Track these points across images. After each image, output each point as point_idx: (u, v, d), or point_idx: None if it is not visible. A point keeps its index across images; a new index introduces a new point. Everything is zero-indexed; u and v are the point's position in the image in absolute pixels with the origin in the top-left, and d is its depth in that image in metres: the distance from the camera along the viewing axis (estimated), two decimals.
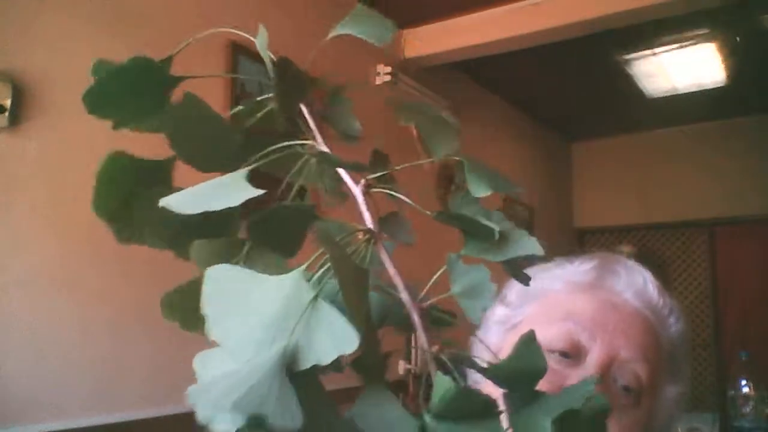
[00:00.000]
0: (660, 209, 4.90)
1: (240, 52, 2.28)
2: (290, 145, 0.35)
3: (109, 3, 1.89)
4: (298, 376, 0.26)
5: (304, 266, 0.28)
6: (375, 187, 0.35)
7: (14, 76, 1.64)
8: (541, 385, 0.29)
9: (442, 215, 0.34)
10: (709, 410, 2.95)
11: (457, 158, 0.36)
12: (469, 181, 0.34)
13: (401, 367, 2.57)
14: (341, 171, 0.35)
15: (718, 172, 4.68)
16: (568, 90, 4.20)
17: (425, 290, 0.32)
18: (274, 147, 0.35)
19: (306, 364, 0.26)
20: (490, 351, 0.53)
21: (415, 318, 0.30)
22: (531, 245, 0.32)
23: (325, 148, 0.36)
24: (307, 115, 0.38)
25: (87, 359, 1.77)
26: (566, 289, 0.71)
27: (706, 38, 3.45)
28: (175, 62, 0.37)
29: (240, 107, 0.39)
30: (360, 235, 0.33)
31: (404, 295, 0.30)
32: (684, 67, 3.79)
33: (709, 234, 4.87)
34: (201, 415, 0.25)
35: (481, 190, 0.34)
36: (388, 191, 0.36)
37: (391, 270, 0.31)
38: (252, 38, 0.39)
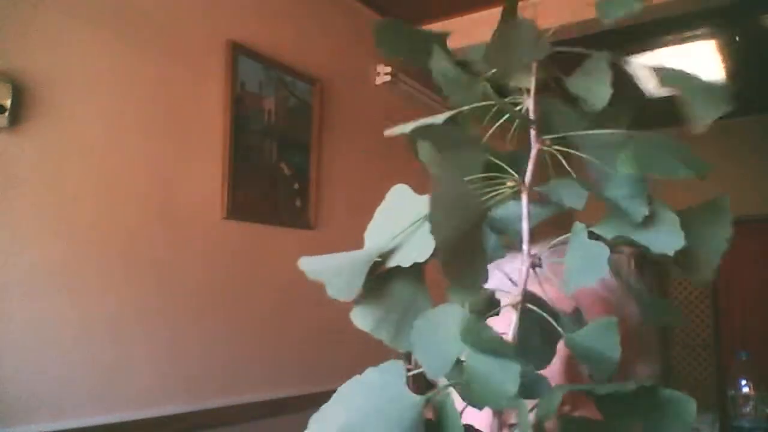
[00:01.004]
0: None
1: (240, 51, 2.28)
2: (505, 100, 0.38)
3: (109, 3, 1.89)
4: (403, 271, 0.32)
5: None
6: (551, 147, 0.37)
7: (14, 76, 1.64)
8: None
9: (584, 183, 0.35)
10: (709, 410, 2.94)
11: (632, 133, 0.37)
12: (622, 156, 0.35)
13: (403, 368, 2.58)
14: (531, 130, 0.37)
15: (718, 172, 4.67)
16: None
17: (545, 250, 0.35)
18: (487, 102, 0.38)
19: (392, 262, 0.32)
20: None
21: (524, 268, 0.33)
22: (669, 242, 0.32)
23: (531, 106, 0.38)
24: (532, 73, 0.40)
25: (87, 359, 1.77)
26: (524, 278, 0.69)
27: (706, 38, 3.45)
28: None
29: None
30: (509, 182, 0.35)
31: (525, 246, 0.34)
32: (684, 67, 3.79)
33: None
34: (302, 267, 0.33)
35: (626, 166, 0.34)
36: (557, 151, 0.37)
37: (524, 218, 0.34)
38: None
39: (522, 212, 0.34)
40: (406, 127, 0.35)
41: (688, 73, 0.41)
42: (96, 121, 1.85)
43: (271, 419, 2.28)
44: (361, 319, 0.33)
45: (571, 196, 0.37)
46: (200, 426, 2.05)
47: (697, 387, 4.54)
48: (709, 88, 0.39)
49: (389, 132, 0.36)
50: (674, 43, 3.49)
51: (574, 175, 0.36)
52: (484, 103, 0.39)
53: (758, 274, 4.62)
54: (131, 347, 1.90)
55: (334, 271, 0.32)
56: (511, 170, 0.36)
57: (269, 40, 2.42)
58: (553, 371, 0.62)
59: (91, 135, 1.84)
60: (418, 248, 0.31)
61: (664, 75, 0.41)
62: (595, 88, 0.40)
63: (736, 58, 3.65)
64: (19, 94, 1.64)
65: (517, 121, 0.38)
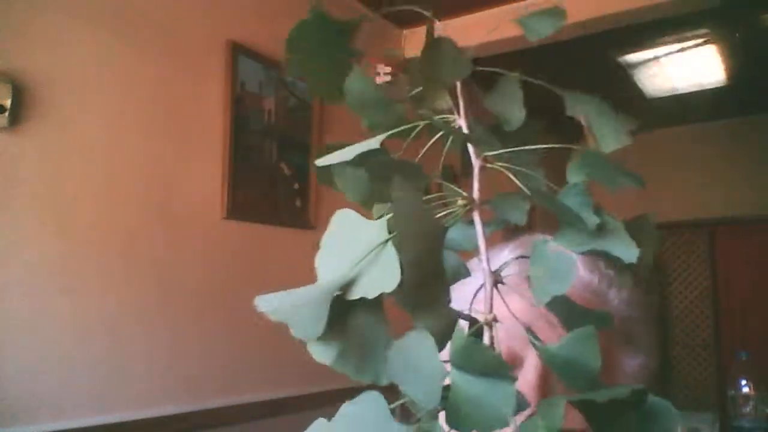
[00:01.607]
0: (660, 209, 4.90)
1: (240, 51, 2.28)
2: (437, 119, 0.39)
3: (109, 3, 1.89)
4: (363, 302, 0.31)
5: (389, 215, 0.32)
6: (492, 164, 0.38)
7: (14, 76, 1.64)
8: None
9: (539, 196, 0.36)
10: (709, 410, 2.95)
11: (578, 149, 0.37)
12: (570, 168, 0.36)
13: None
14: (469, 146, 0.38)
15: (718, 172, 4.68)
16: (568, 90, 4.20)
17: (505, 263, 0.35)
18: (423, 122, 0.39)
19: (355, 294, 0.31)
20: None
21: (487, 285, 0.33)
22: (627, 251, 0.33)
23: (463, 124, 0.39)
24: (458, 93, 0.40)
25: (87, 359, 1.77)
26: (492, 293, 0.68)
27: (706, 38, 3.45)
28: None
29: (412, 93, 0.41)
30: (459, 201, 0.36)
31: (484, 264, 0.33)
32: (684, 67, 3.79)
33: (709, 234, 4.87)
34: (260, 308, 0.32)
35: (575, 176, 0.35)
36: (499, 167, 0.38)
37: (480, 237, 0.34)
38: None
39: (477, 230, 0.34)
40: (339, 156, 0.35)
41: (595, 100, 0.42)
42: (96, 121, 1.85)
43: (271, 419, 2.28)
44: (322, 353, 0.32)
45: (514, 210, 0.37)
46: (200, 426, 2.05)
47: (697, 387, 4.54)
48: (613, 120, 0.41)
49: (320, 162, 0.36)
50: (673, 42, 3.49)
51: (524, 189, 0.37)
52: (417, 123, 0.39)
53: (758, 274, 4.62)
54: (131, 347, 1.90)
55: (295, 309, 0.32)
56: (458, 189, 0.37)
57: (269, 40, 2.42)
58: (527, 384, 0.61)
59: (91, 135, 1.84)
60: (383, 277, 0.30)
61: (572, 100, 0.42)
62: (509, 109, 0.42)
63: (736, 58, 3.65)
64: (19, 94, 1.64)
65: (449, 141, 0.39)
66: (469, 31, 3.06)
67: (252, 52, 2.34)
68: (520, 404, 0.28)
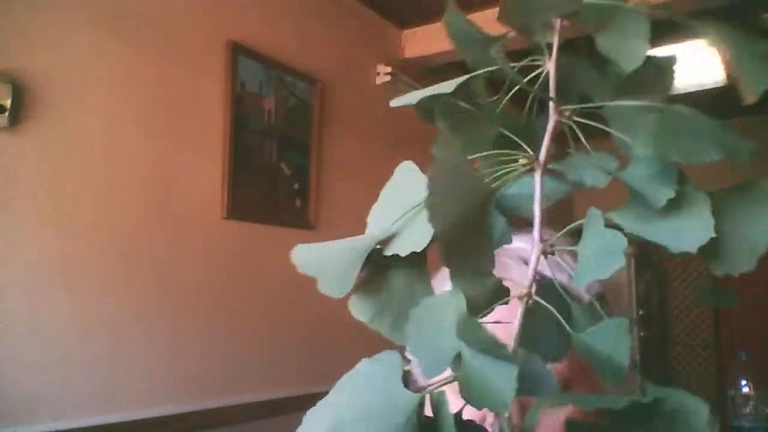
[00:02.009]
0: None
1: (240, 51, 2.28)
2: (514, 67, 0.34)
3: (109, 3, 1.89)
4: (400, 259, 0.29)
5: None
6: (570, 120, 0.32)
7: (14, 76, 1.64)
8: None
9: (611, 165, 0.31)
10: (709, 410, 2.94)
11: (659, 105, 0.32)
12: (640, 134, 0.30)
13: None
14: (551, 102, 0.33)
15: (718, 172, 4.67)
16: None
17: (557, 236, 0.32)
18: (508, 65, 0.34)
19: (389, 251, 0.30)
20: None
21: (533, 256, 0.30)
22: (698, 233, 0.28)
23: (552, 69, 0.34)
24: (555, 31, 0.34)
25: (87, 359, 1.77)
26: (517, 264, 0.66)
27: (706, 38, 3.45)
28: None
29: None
30: (521, 160, 0.32)
31: (535, 232, 0.31)
32: (684, 67, 3.79)
33: None
34: (293, 258, 0.31)
35: (643, 146, 0.29)
36: (578, 124, 0.33)
37: (536, 201, 0.31)
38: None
39: (534, 192, 0.31)
40: (413, 97, 0.32)
41: (740, 31, 0.35)
42: (96, 121, 1.85)
43: (271, 419, 2.28)
44: (359, 309, 0.31)
45: (593, 173, 0.32)
46: (200, 426, 2.05)
47: (697, 387, 4.54)
48: (762, 47, 0.33)
49: (395, 102, 0.33)
50: (674, 42, 3.49)
51: (592, 151, 0.32)
52: (495, 68, 0.34)
53: (758, 274, 4.59)
54: (131, 347, 1.89)
55: (328, 263, 0.30)
56: (524, 145, 0.33)
57: (269, 40, 2.42)
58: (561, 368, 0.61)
59: (91, 135, 1.84)
60: (416, 236, 0.29)
61: (707, 26, 0.35)
62: (628, 46, 0.34)
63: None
64: (19, 94, 1.64)
65: (536, 86, 0.34)
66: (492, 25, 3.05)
67: (252, 52, 2.34)
68: (549, 386, 0.27)
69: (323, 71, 2.68)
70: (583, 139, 0.33)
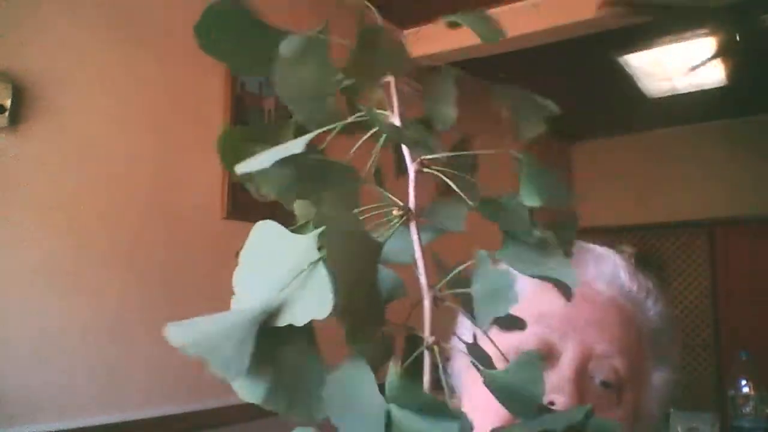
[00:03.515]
0: (660, 209, 4.90)
1: None
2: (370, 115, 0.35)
3: (109, 3, 1.89)
4: (291, 329, 0.27)
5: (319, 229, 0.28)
6: (429, 168, 0.34)
7: (14, 76, 1.64)
8: None
9: (484, 206, 0.33)
10: (709, 410, 2.94)
11: (517, 155, 0.34)
12: (522, 186, 0.32)
13: None
14: (404, 147, 0.34)
15: (717, 172, 4.68)
16: (568, 90, 4.20)
17: (444, 282, 0.32)
18: (356, 116, 0.35)
19: (282, 321, 0.27)
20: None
21: (426, 303, 0.30)
22: (566, 273, 0.30)
23: (397, 122, 0.35)
24: (392, 89, 0.36)
25: (87, 359, 1.77)
26: (535, 287, 0.66)
27: (706, 38, 3.45)
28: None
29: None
30: (395, 211, 0.32)
31: (422, 279, 0.30)
32: (684, 67, 3.79)
33: (709, 234, 4.87)
34: (172, 340, 0.28)
35: (531, 200, 0.32)
36: (436, 172, 0.34)
37: (417, 250, 0.31)
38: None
39: (413, 241, 0.31)
40: (264, 161, 0.31)
41: (517, 90, 0.39)
42: (96, 121, 1.85)
43: (271, 419, 2.27)
44: (247, 391, 0.28)
45: (450, 217, 0.34)
46: (200, 426, 2.05)
47: (697, 387, 4.54)
48: (532, 104, 0.38)
49: (239, 169, 0.32)
50: (674, 42, 3.49)
51: (462, 195, 0.34)
52: (352, 119, 0.35)
53: (758, 274, 4.62)
54: (131, 347, 1.89)
55: (215, 343, 0.27)
56: (391, 197, 0.34)
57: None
58: (564, 378, 0.62)
59: (91, 135, 1.84)
60: (314, 302, 0.27)
61: (496, 90, 0.39)
62: (441, 107, 0.38)
63: (736, 58, 3.65)
64: (19, 94, 1.64)
65: (381, 139, 0.36)
66: (465, 32, 3.05)
67: None
68: (467, 429, 0.26)
69: None
70: (453, 185, 0.34)
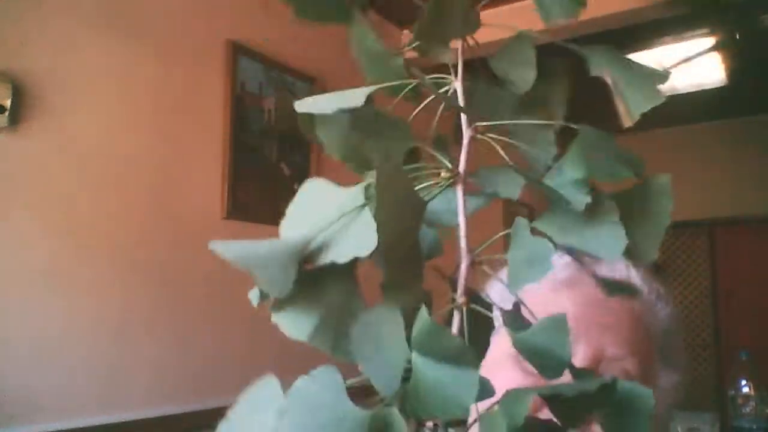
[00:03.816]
0: None
1: (240, 51, 2.28)
2: (429, 78, 0.35)
3: (109, 3, 1.89)
4: (333, 271, 0.28)
5: (366, 182, 0.29)
6: (484, 135, 0.34)
7: (14, 76, 1.64)
8: None
9: (523, 171, 0.32)
10: (709, 410, 2.94)
11: (575, 126, 0.33)
12: (569, 158, 0.32)
13: None
14: (462, 114, 0.34)
15: (717, 172, 4.68)
16: (568, 90, 4.20)
17: (483, 246, 0.32)
18: (413, 80, 0.35)
19: (326, 258, 0.28)
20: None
21: (463, 265, 0.30)
22: (605, 245, 0.30)
23: (459, 88, 0.35)
24: (459, 53, 0.36)
25: (87, 359, 1.77)
26: (546, 287, 0.67)
27: (706, 38, 3.45)
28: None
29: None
30: (443, 173, 0.33)
31: (462, 242, 0.31)
32: (684, 67, 3.79)
33: (709, 234, 4.87)
34: (220, 253, 0.28)
35: (575, 170, 0.31)
36: (489, 139, 0.34)
37: (460, 213, 0.31)
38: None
39: (458, 205, 0.31)
40: (323, 106, 0.31)
41: (621, 57, 0.37)
42: (96, 121, 1.85)
43: None
44: (293, 326, 0.29)
45: (507, 184, 0.33)
46: (200, 426, 2.05)
47: (697, 387, 4.54)
48: (641, 76, 0.36)
49: (300, 107, 0.32)
50: (674, 42, 3.49)
51: (511, 163, 0.34)
52: (408, 81, 0.35)
53: (758, 274, 4.62)
54: (131, 347, 1.89)
55: (261, 260, 0.28)
56: (441, 158, 0.34)
57: (269, 40, 2.42)
58: (504, 374, 0.62)
59: (91, 135, 1.84)
60: (357, 242, 0.27)
61: (595, 57, 0.37)
62: (519, 70, 0.37)
63: (736, 58, 3.65)
64: (19, 94, 1.64)
65: (443, 103, 0.35)
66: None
67: (252, 52, 2.34)
68: (485, 391, 0.27)
69: (323, 71, 2.68)
70: (503, 153, 0.34)
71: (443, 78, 0.36)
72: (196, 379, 2.08)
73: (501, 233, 0.33)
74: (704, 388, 4.56)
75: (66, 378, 1.72)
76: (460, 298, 0.29)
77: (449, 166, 0.33)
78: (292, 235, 0.31)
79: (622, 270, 0.69)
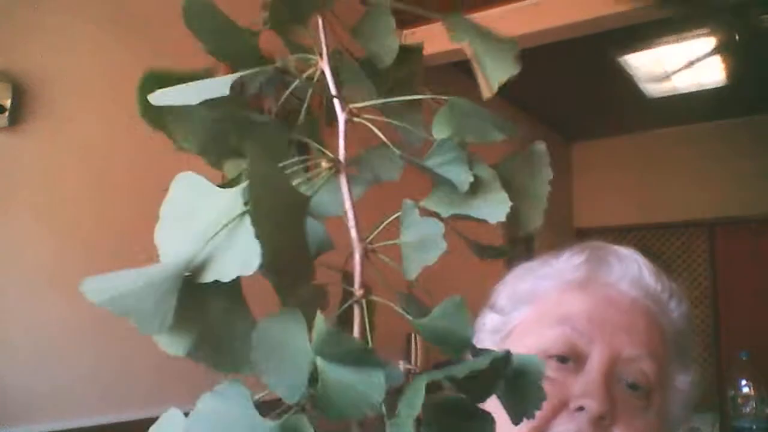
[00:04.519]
0: (660, 209, 4.90)
1: None
2: (291, 58, 0.32)
3: (109, 3, 1.89)
4: (216, 284, 0.26)
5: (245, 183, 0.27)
6: (360, 117, 0.32)
7: (14, 76, 1.64)
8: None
9: (410, 159, 0.31)
10: (709, 410, 2.94)
11: (444, 98, 0.33)
12: (437, 121, 0.31)
13: (401, 366, 2.57)
14: (335, 95, 0.33)
15: (718, 172, 4.68)
16: (568, 90, 4.20)
17: (374, 233, 0.31)
18: (278, 61, 0.33)
19: (208, 277, 0.26)
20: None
21: (357, 256, 0.29)
22: (492, 211, 0.29)
23: (326, 68, 0.33)
24: (320, 27, 0.34)
25: (87, 359, 1.77)
26: (558, 289, 0.66)
27: (706, 38, 3.45)
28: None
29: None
30: (323, 163, 0.31)
31: (353, 231, 0.30)
32: (684, 66, 3.79)
33: (709, 234, 4.86)
34: (89, 296, 0.27)
35: (440, 131, 0.31)
36: (365, 121, 0.32)
37: (347, 203, 0.30)
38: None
39: (343, 194, 0.30)
40: (184, 97, 0.28)
41: (480, 27, 0.36)
42: (96, 121, 1.85)
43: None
44: (172, 344, 0.28)
45: (387, 167, 0.33)
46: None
47: (697, 387, 4.53)
48: (498, 42, 0.35)
49: (155, 100, 0.29)
50: (674, 42, 3.49)
51: (390, 144, 0.32)
52: (267, 65, 0.31)
53: (758, 274, 4.62)
54: (131, 347, 1.89)
55: (136, 298, 0.27)
56: (322, 149, 0.32)
57: (269, 40, 2.41)
58: (592, 382, 0.61)
59: (90, 135, 1.84)
60: (241, 257, 0.25)
61: (454, 25, 0.36)
62: (379, 41, 0.35)
63: (735, 58, 3.65)
64: (19, 94, 1.64)
65: (310, 88, 0.33)
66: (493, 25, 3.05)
67: None
68: (394, 381, 0.26)
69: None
70: (381, 135, 0.33)
71: (307, 57, 0.34)
72: (196, 379, 2.08)
73: (391, 217, 0.32)
74: (704, 388, 4.55)
75: (65, 378, 1.72)
76: (358, 292, 0.28)
77: (330, 156, 0.31)
78: (167, 247, 0.29)
79: (634, 270, 0.67)
